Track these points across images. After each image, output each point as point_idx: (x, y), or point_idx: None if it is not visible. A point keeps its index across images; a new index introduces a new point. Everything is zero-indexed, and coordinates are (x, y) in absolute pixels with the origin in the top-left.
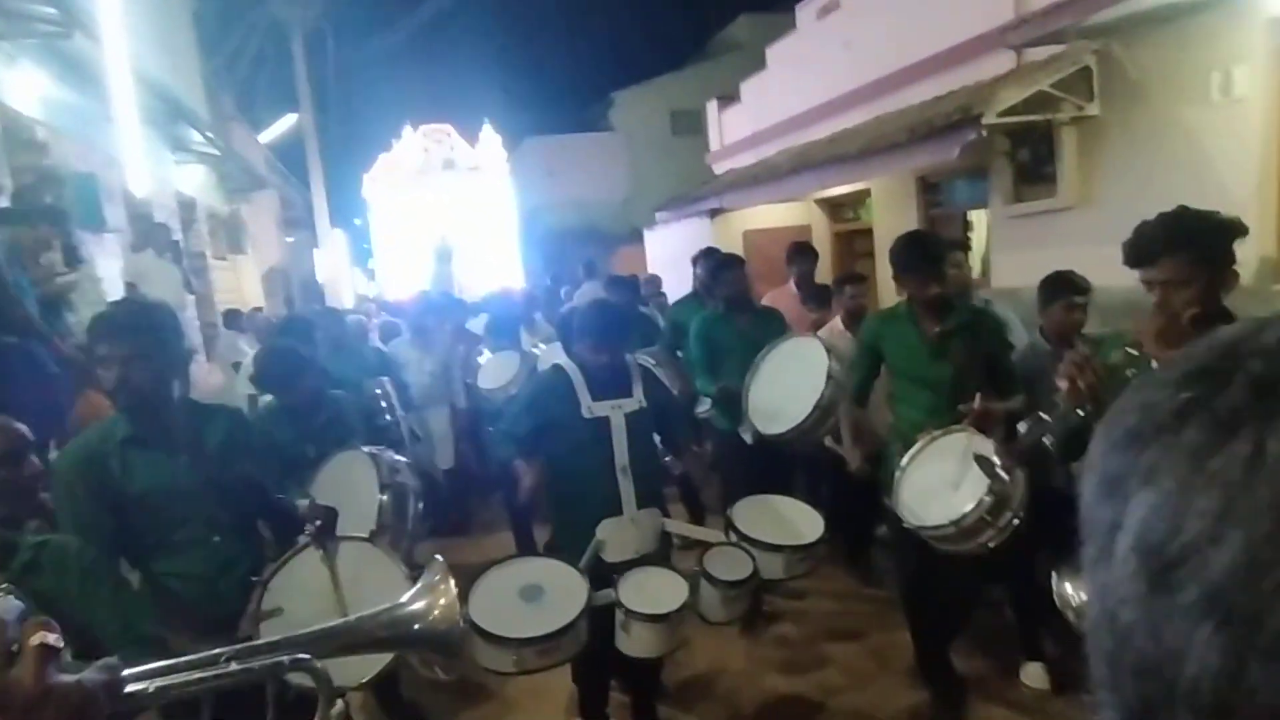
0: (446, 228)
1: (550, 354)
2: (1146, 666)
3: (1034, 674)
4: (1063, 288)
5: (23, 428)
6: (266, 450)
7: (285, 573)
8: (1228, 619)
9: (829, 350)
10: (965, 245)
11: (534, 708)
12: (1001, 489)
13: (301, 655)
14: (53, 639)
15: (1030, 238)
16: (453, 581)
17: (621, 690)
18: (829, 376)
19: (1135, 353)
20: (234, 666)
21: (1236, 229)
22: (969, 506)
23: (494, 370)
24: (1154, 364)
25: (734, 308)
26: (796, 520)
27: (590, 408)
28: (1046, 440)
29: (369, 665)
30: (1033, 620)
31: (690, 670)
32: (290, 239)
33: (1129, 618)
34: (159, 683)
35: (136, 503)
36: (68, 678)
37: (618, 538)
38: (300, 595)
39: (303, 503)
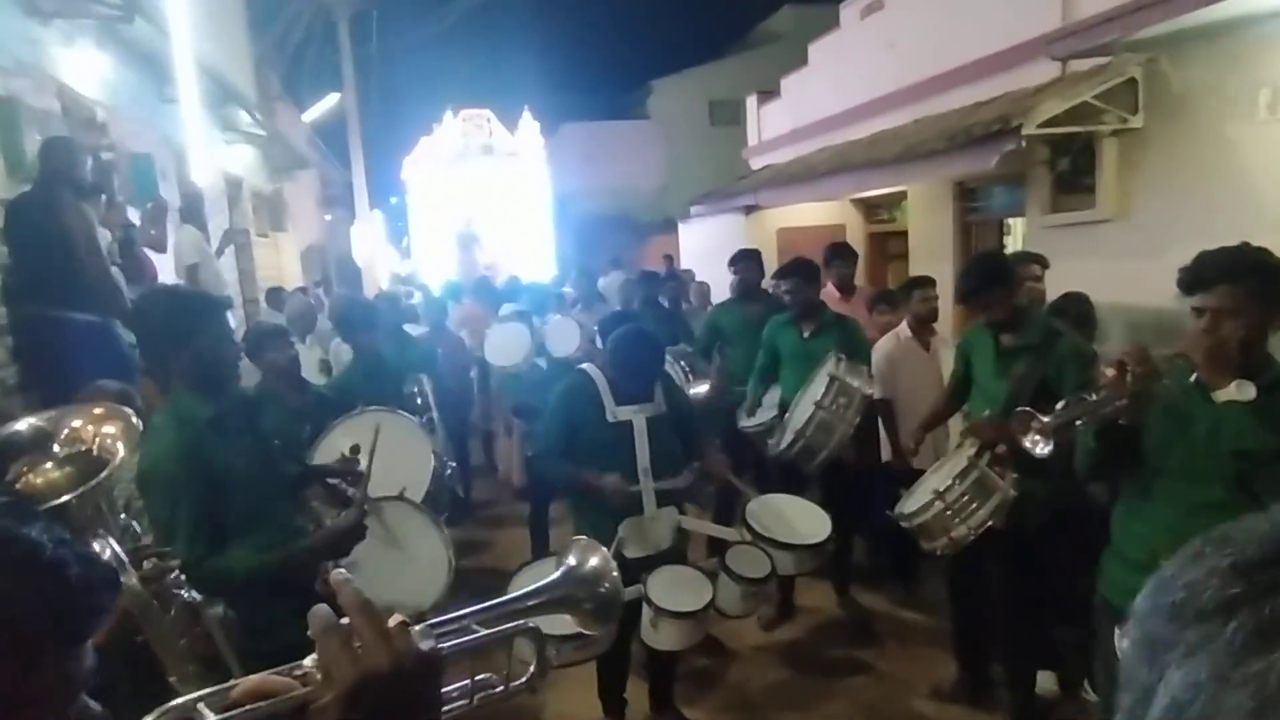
0: (478, 213)
1: (558, 326)
2: None
3: (1045, 680)
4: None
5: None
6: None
7: None
8: None
9: (832, 378)
10: (1042, 260)
11: (560, 685)
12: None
13: (532, 624)
14: (402, 616)
15: (1066, 248)
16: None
17: (641, 674)
18: (816, 405)
19: (1181, 362)
20: (482, 632)
21: None
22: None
23: (503, 344)
24: (1194, 377)
25: (800, 317)
26: (806, 519)
27: (614, 412)
28: (1079, 423)
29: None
30: (1048, 628)
31: (703, 657)
32: (328, 217)
33: None
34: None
35: (228, 481)
36: (424, 643)
37: (638, 535)
38: (364, 553)
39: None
